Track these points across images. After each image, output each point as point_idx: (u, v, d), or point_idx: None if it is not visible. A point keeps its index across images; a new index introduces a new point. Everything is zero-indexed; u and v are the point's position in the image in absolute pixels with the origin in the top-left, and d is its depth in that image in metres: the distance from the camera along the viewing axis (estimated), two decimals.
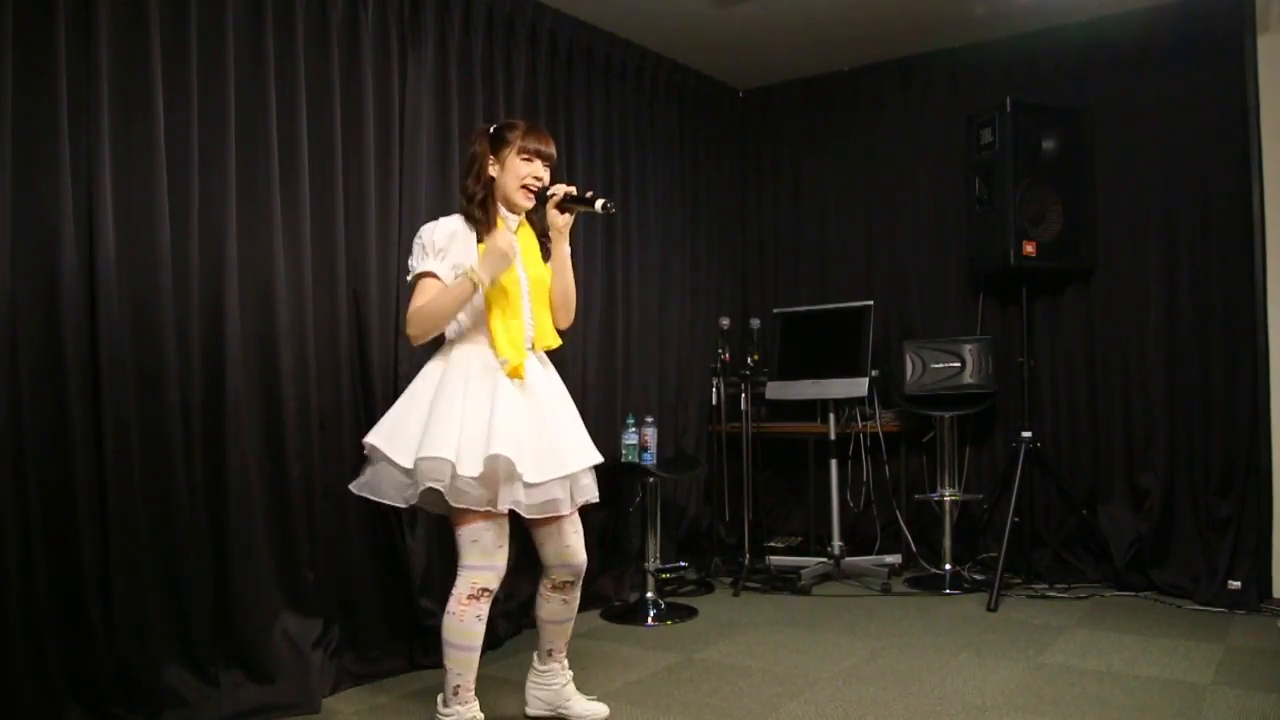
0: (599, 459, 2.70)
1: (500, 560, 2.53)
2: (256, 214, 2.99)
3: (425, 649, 3.32)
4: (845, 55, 4.90)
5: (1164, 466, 4.16)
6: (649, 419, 4.11)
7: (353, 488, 2.63)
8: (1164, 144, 4.21)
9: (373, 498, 2.60)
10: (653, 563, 4.05)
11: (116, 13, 2.67)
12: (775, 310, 4.96)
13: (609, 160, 4.42)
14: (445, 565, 3.44)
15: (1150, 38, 4.23)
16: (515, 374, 2.54)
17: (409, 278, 2.60)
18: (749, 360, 4.63)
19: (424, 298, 2.53)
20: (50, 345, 2.54)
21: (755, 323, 4.81)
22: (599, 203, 2.61)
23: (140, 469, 2.68)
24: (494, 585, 2.53)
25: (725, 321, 4.62)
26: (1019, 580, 4.32)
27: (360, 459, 3.24)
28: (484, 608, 2.51)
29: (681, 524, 4.75)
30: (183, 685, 2.72)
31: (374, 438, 2.56)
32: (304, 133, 3.11)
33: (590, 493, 2.69)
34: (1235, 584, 3.91)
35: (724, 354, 4.58)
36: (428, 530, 3.40)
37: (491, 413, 2.47)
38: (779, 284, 5.29)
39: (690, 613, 4.03)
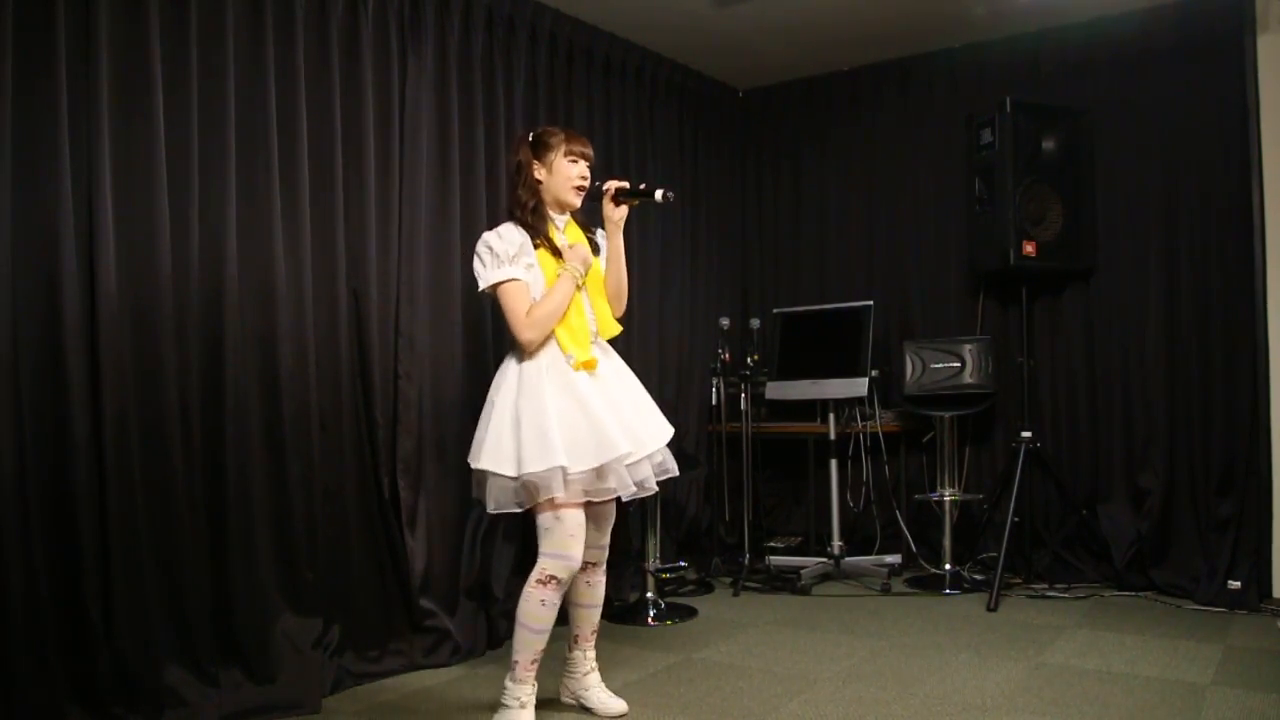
0: (670, 433, 2.85)
1: (572, 550, 2.62)
2: (256, 214, 2.99)
3: (425, 649, 3.32)
4: (845, 55, 4.91)
5: (1164, 466, 4.16)
6: None
7: (490, 509, 2.70)
8: (1164, 144, 4.21)
9: (504, 510, 2.68)
10: (653, 563, 4.05)
11: (116, 13, 2.67)
12: (775, 310, 4.96)
13: (609, 160, 4.41)
14: (445, 565, 3.46)
15: (1150, 38, 4.23)
16: (585, 367, 2.69)
17: (485, 286, 2.72)
18: (749, 360, 4.63)
19: (521, 301, 2.67)
20: (50, 345, 2.54)
21: (755, 323, 4.81)
22: (658, 192, 2.73)
23: (140, 469, 2.68)
24: (562, 575, 2.63)
25: (725, 321, 4.62)
26: (1019, 580, 4.33)
27: (361, 459, 3.28)
28: (550, 594, 2.62)
29: (681, 524, 4.75)
30: (183, 685, 2.72)
31: (484, 461, 2.64)
32: (304, 133, 3.11)
33: (650, 480, 2.78)
34: (1235, 584, 3.91)
35: (724, 354, 4.58)
36: (428, 530, 3.40)
37: (586, 411, 2.62)
38: (779, 284, 5.29)
39: (690, 613, 4.03)
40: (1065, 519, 4.44)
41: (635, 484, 2.68)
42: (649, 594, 4.04)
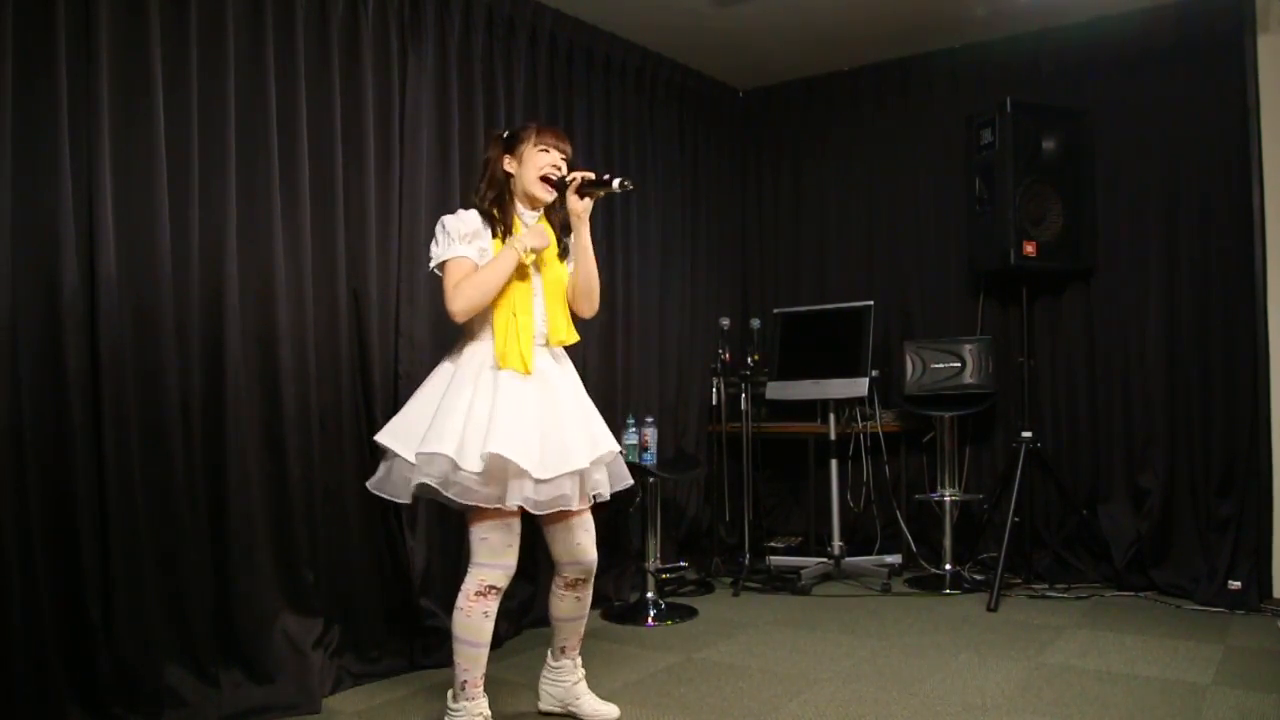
0: (608, 451, 2.66)
1: (509, 559, 2.55)
2: (256, 214, 2.99)
3: (425, 649, 3.32)
4: (845, 55, 4.91)
5: (1164, 466, 4.16)
6: (649, 419, 4.10)
7: (369, 485, 2.64)
8: (1164, 144, 4.21)
9: (382, 495, 2.60)
10: (653, 563, 4.05)
11: (116, 13, 2.67)
12: (775, 310, 4.96)
13: (609, 160, 4.41)
14: (445, 565, 3.45)
15: (1150, 38, 4.23)
16: (506, 364, 2.53)
17: (433, 264, 2.60)
18: (749, 360, 4.63)
19: (461, 276, 2.53)
20: (50, 345, 2.54)
21: (755, 323, 4.82)
22: (616, 181, 2.61)
23: (140, 469, 2.68)
24: (502, 584, 2.55)
25: (725, 321, 4.62)
26: (1019, 580, 4.32)
27: (361, 459, 3.27)
28: (491, 605, 2.54)
29: (681, 524, 4.75)
30: (183, 685, 2.72)
31: (383, 435, 2.58)
32: (304, 132, 3.11)
33: (602, 488, 2.68)
34: (1235, 584, 3.91)
35: (724, 354, 4.58)
36: (428, 530, 3.40)
37: (493, 409, 2.49)
38: (779, 284, 5.29)
39: (690, 613, 4.03)
40: (1065, 519, 4.44)
41: (545, 501, 2.50)
42: (649, 594, 4.03)
